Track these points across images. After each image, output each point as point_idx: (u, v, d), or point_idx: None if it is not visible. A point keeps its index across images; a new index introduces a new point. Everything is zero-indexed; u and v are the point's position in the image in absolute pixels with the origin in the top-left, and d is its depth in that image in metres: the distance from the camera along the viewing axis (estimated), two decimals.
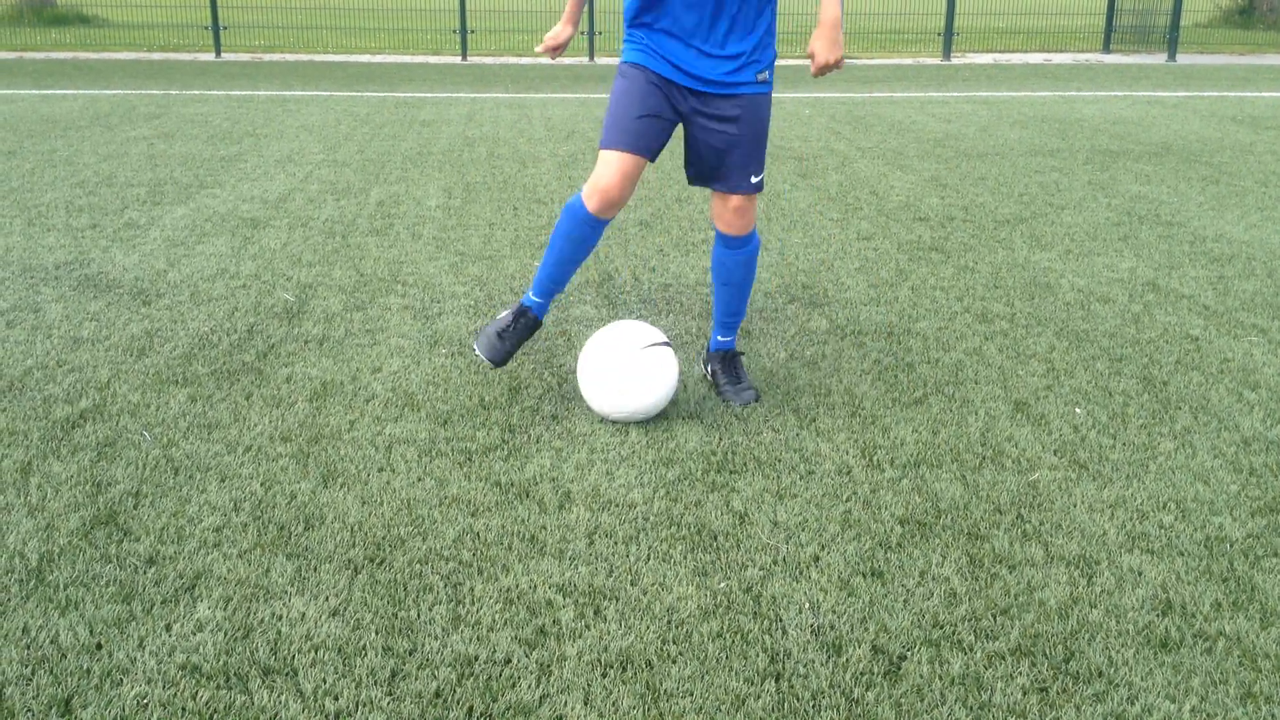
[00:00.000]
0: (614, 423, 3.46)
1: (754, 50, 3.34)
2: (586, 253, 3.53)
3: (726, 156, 3.41)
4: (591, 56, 16.91)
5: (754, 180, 3.45)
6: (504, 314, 3.64)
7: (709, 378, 3.78)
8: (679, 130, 3.49)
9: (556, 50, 3.64)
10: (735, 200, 3.47)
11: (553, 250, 3.52)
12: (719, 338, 3.76)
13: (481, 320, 4.40)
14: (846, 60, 17.25)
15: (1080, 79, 14.46)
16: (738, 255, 3.58)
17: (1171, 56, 18.00)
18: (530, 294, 3.62)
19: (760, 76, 3.37)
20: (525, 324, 3.61)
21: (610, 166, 3.35)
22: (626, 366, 3.39)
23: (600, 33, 17.11)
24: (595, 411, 3.49)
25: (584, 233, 3.44)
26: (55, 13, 20.08)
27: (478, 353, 3.59)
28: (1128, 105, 11.58)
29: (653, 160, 3.43)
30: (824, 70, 3.25)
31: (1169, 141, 9.08)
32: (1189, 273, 5.19)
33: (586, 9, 17.83)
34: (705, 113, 3.38)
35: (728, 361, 3.74)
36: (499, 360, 3.58)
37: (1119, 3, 18.96)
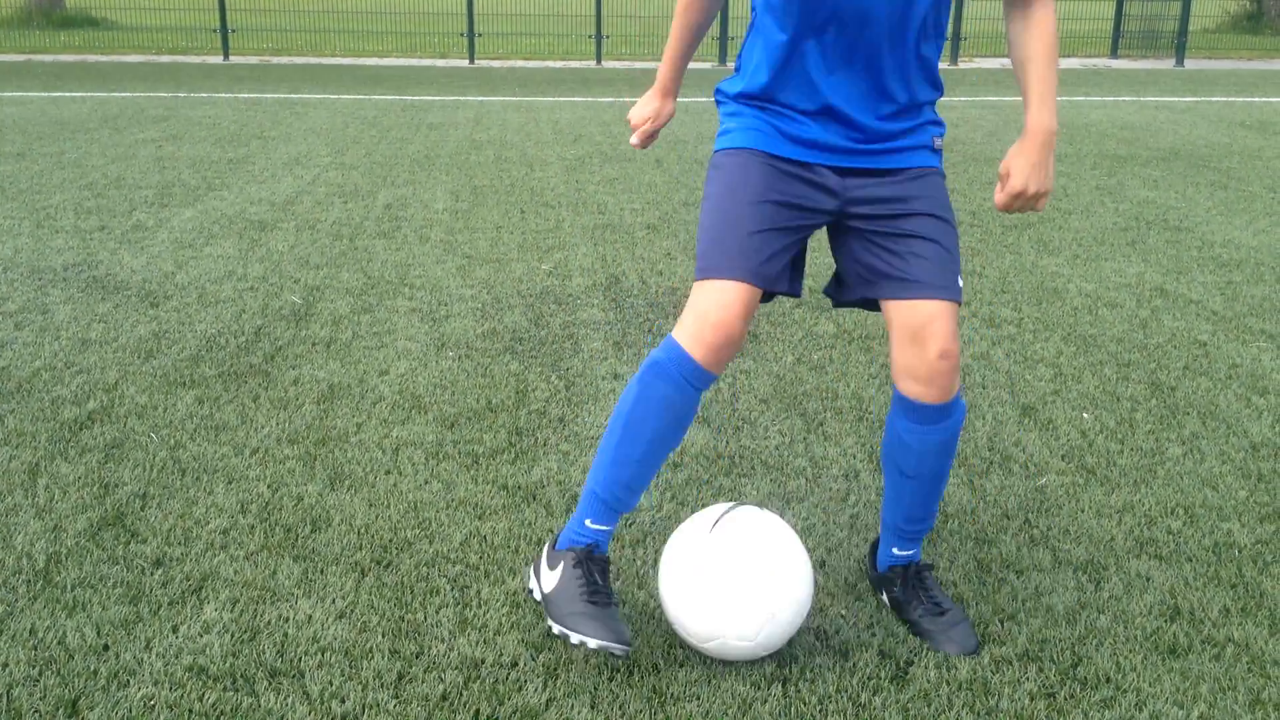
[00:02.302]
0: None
1: (927, 121, 2.33)
2: (680, 429, 2.32)
3: (912, 251, 2.25)
4: (599, 60, 16.92)
5: (958, 282, 2.28)
6: (558, 575, 2.33)
7: (883, 602, 2.53)
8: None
9: (652, 137, 2.63)
10: (939, 326, 2.21)
11: (627, 426, 2.29)
12: (894, 550, 2.48)
13: (489, 323, 4.41)
14: None
15: (1088, 84, 14.44)
16: (936, 434, 2.31)
17: (1180, 61, 17.97)
18: (585, 522, 2.36)
19: (937, 142, 2.36)
20: (598, 564, 2.33)
21: (721, 298, 2.24)
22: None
23: (608, 36, 17.13)
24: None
25: (682, 393, 2.26)
26: (64, 15, 20.13)
27: (608, 646, 2.19)
28: (1135, 110, 11.57)
29: (793, 294, 2.35)
30: (1019, 202, 2.25)
31: (1177, 146, 9.06)
32: (1197, 278, 5.18)
33: (593, 10, 17.90)
34: (863, 197, 2.29)
35: (914, 579, 2.48)
36: (627, 639, 2.21)
37: (1127, 8, 18.94)
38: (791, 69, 2.24)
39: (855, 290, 2.35)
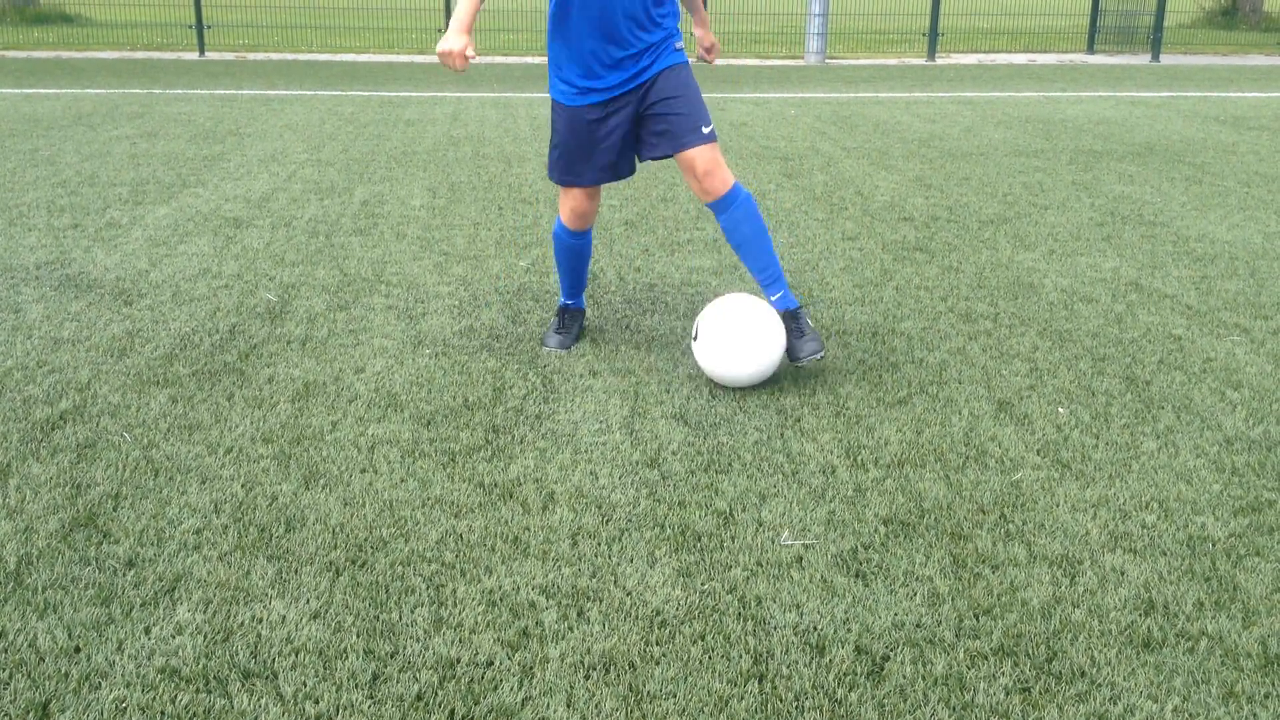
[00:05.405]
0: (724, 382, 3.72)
1: (662, 39, 3.69)
2: (587, 254, 4.10)
3: (671, 119, 3.65)
4: None
5: (705, 130, 3.66)
6: (552, 321, 4.22)
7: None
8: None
9: (465, 60, 3.44)
10: (700, 159, 3.63)
11: (561, 267, 4.12)
12: (771, 297, 3.83)
13: (466, 320, 4.40)
14: (831, 61, 17.27)
15: (1064, 79, 14.51)
16: (734, 215, 3.72)
17: (1155, 57, 18.07)
18: (561, 299, 4.20)
19: (676, 45, 3.72)
20: (571, 316, 4.18)
21: (572, 199, 3.86)
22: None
23: None
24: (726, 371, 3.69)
25: (578, 245, 4.04)
26: (38, 11, 19.97)
27: (548, 349, 4.05)
28: (1111, 105, 11.62)
29: (631, 171, 3.88)
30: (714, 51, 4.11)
31: (1152, 142, 9.11)
32: (1172, 272, 5.20)
33: None
34: (641, 100, 3.69)
35: (793, 319, 3.80)
36: (569, 344, 4.09)
37: (1103, 3, 19.03)
38: (568, 35, 3.64)
39: (653, 151, 3.74)
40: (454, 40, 3.43)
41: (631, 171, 3.86)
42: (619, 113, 3.70)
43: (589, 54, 3.64)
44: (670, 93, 3.65)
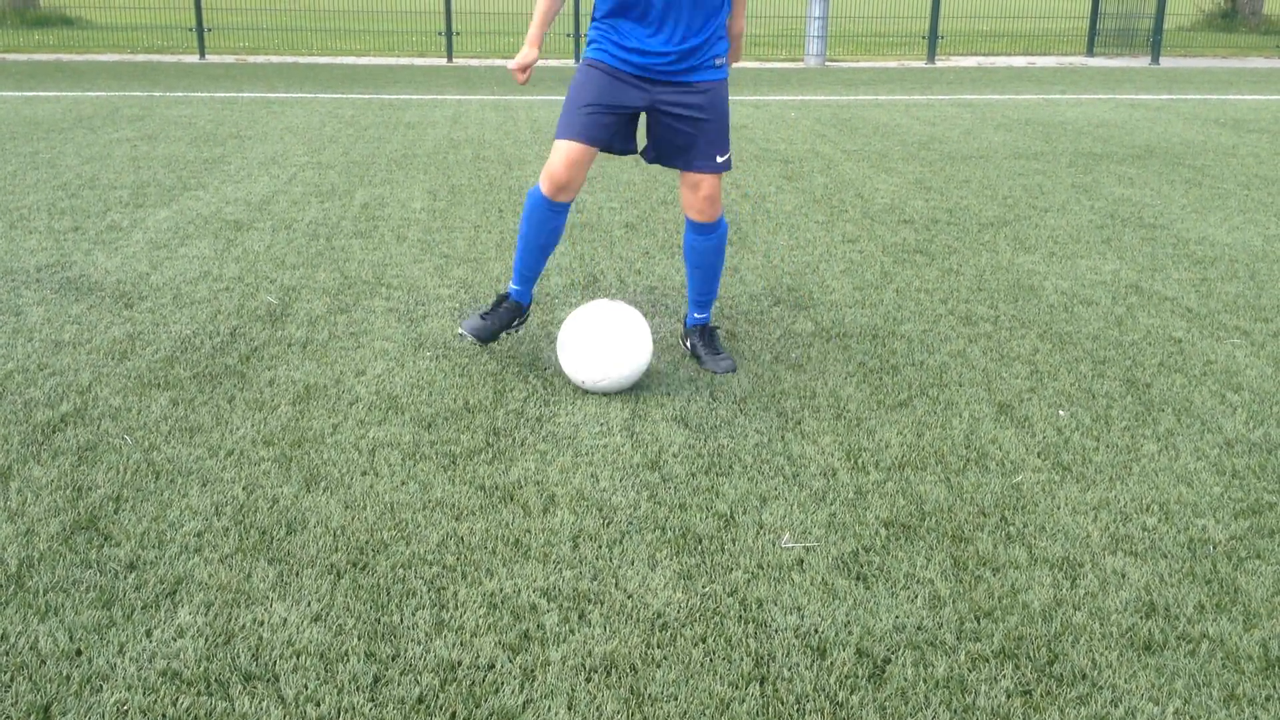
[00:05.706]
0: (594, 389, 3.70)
1: (708, 43, 3.63)
2: (553, 236, 3.85)
3: (695, 139, 3.68)
4: (577, 59, 16.90)
5: (720, 160, 3.73)
6: (490, 304, 4.08)
7: (689, 351, 4.06)
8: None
9: (526, 72, 3.77)
10: (706, 184, 3.73)
11: (522, 237, 3.88)
12: (695, 314, 4.05)
13: None
14: (831, 63, 17.28)
15: (1064, 82, 14.51)
16: (709, 241, 3.87)
17: (1155, 59, 18.08)
18: (510, 284, 4.00)
19: (718, 61, 3.68)
20: (507, 308, 3.97)
21: (558, 154, 3.68)
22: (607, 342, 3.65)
23: (585, 35, 17.12)
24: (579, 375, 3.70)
25: (544, 215, 3.78)
26: (38, 14, 19.97)
27: (462, 331, 3.98)
28: (1111, 108, 11.63)
29: (617, 152, 3.79)
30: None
31: (1152, 144, 9.11)
32: (1172, 275, 5.21)
33: (572, 11, 17.89)
34: (668, 100, 3.65)
35: (705, 335, 4.03)
36: (483, 337, 3.93)
37: (1102, 6, 19.05)
38: (623, 17, 3.60)
39: (661, 158, 3.78)
40: (520, 56, 3.71)
41: (631, 150, 3.82)
42: (645, 92, 3.63)
43: (642, 37, 3.60)
44: (706, 114, 3.67)
